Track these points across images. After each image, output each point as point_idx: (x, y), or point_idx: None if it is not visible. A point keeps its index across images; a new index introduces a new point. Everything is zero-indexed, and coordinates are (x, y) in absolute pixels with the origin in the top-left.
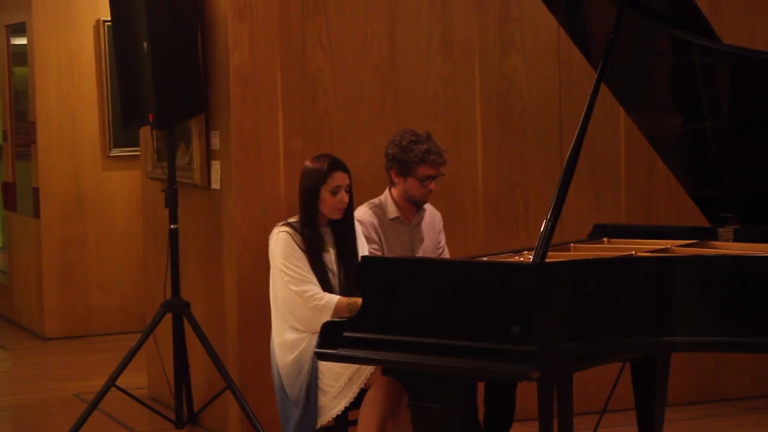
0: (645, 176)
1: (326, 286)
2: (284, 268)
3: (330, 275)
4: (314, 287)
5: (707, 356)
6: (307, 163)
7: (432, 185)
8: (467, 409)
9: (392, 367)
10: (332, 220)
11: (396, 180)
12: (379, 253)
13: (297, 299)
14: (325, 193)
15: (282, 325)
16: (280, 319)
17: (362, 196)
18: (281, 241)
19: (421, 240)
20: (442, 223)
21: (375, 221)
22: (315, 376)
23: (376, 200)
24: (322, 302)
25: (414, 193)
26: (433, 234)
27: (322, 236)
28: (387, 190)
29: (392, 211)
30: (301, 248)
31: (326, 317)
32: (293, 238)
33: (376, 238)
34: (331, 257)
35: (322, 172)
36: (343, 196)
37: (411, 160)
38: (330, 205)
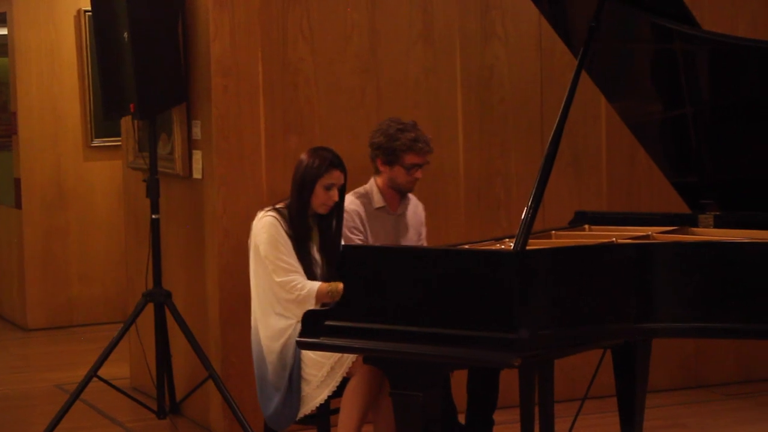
0: (626, 163)
1: (310, 275)
2: (270, 257)
3: (314, 264)
4: (297, 276)
5: (688, 342)
6: (303, 156)
7: (418, 173)
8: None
9: (373, 355)
10: (314, 215)
11: (382, 168)
12: (362, 242)
13: (281, 290)
14: (318, 187)
15: (267, 311)
16: (266, 306)
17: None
18: (267, 226)
19: (406, 230)
20: (424, 214)
21: (360, 210)
22: (299, 364)
23: (361, 189)
24: (303, 291)
25: (400, 181)
26: (416, 225)
27: (311, 226)
28: (372, 179)
29: (378, 200)
30: (288, 234)
31: (310, 305)
32: (280, 223)
33: (360, 227)
34: (314, 246)
35: (322, 166)
36: (334, 194)
37: (398, 149)
38: (320, 199)
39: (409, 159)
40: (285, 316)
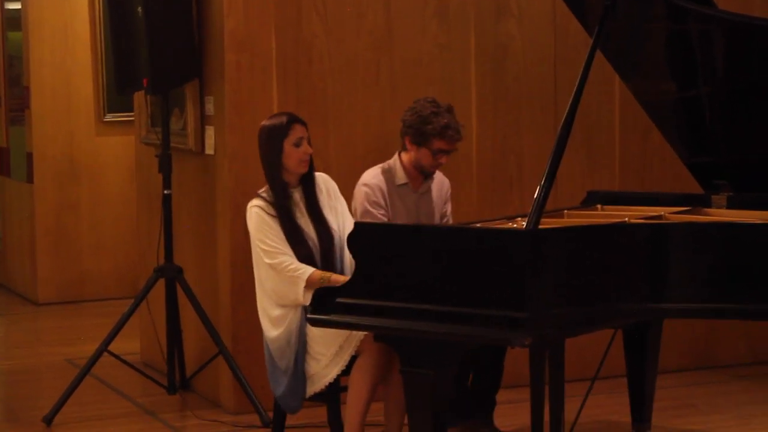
0: (639, 143)
1: (305, 250)
2: (259, 243)
3: (307, 238)
4: (288, 258)
5: (699, 323)
6: (264, 123)
7: (443, 159)
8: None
9: (385, 333)
10: (301, 181)
11: (409, 147)
12: (385, 219)
13: (272, 272)
14: (288, 147)
15: (267, 300)
16: (264, 296)
17: (356, 161)
18: (254, 217)
19: (428, 208)
20: (450, 192)
21: (383, 185)
22: (303, 344)
23: (385, 164)
24: (296, 273)
25: (424, 163)
26: (439, 203)
27: (291, 195)
28: (396, 154)
29: (401, 177)
30: (274, 216)
31: (300, 289)
32: (265, 210)
33: (383, 202)
34: (306, 221)
35: (282, 126)
36: (306, 147)
37: (429, 132)
38: (295, 157)
39: (438, 144)
40: (281, 306)
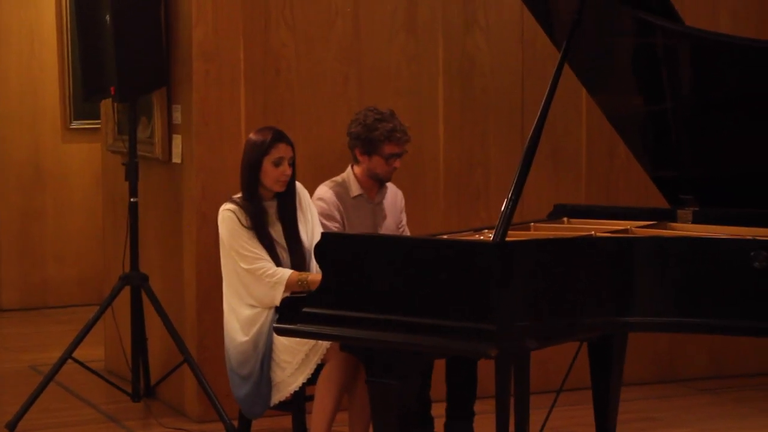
0: (606, 157)
1: (275, 261)
2: (236, 247)
3: (279, 249)
4: (266, 263)
5: (663, 337)
6: (251, 135)
7: (397, 163)
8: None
9: (351, 343)
10: (278, 194)
11: (360, 158)
12: (338, 230)
13: (250, 277)
14: (267, 164)
15: (236, 302)
16: (235, 297)
17: (323, 171)
18: (226, 221)
19: (384, 218)
20: (403, 201)
21: (337, 200)
22: (270, 350)
23: (338, 178)
24: (274, 278)
25: (379, 171)
26: (395, 212)
27: (266, 209)
28: (349, 167)
29: (355, 189)
30: (245, 225)
31: (279, 293)
32: (237, 215)
33: (338, 216)
34: (279, 231)
35: (265, 144)
36: (286, 168)
37: (376, 139)
38: (272, 176)
39: (388, 149)
40: (254, 307)
